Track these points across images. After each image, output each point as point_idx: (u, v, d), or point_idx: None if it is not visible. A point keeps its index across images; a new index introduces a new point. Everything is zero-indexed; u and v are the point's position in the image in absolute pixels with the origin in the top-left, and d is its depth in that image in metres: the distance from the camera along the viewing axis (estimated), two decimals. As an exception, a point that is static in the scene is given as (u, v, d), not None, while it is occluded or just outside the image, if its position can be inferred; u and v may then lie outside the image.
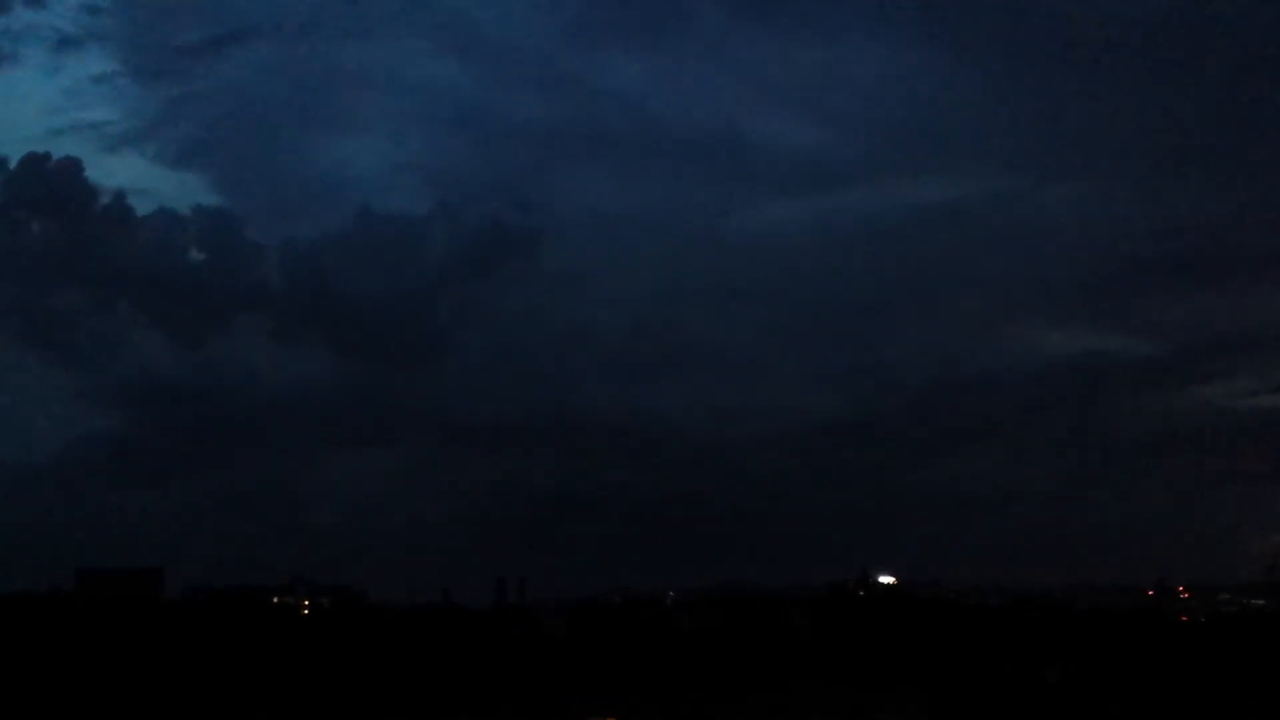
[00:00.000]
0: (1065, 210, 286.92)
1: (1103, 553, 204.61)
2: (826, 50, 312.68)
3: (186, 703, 77.32)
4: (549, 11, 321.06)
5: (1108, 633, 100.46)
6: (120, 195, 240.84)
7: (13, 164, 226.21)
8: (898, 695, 77.90)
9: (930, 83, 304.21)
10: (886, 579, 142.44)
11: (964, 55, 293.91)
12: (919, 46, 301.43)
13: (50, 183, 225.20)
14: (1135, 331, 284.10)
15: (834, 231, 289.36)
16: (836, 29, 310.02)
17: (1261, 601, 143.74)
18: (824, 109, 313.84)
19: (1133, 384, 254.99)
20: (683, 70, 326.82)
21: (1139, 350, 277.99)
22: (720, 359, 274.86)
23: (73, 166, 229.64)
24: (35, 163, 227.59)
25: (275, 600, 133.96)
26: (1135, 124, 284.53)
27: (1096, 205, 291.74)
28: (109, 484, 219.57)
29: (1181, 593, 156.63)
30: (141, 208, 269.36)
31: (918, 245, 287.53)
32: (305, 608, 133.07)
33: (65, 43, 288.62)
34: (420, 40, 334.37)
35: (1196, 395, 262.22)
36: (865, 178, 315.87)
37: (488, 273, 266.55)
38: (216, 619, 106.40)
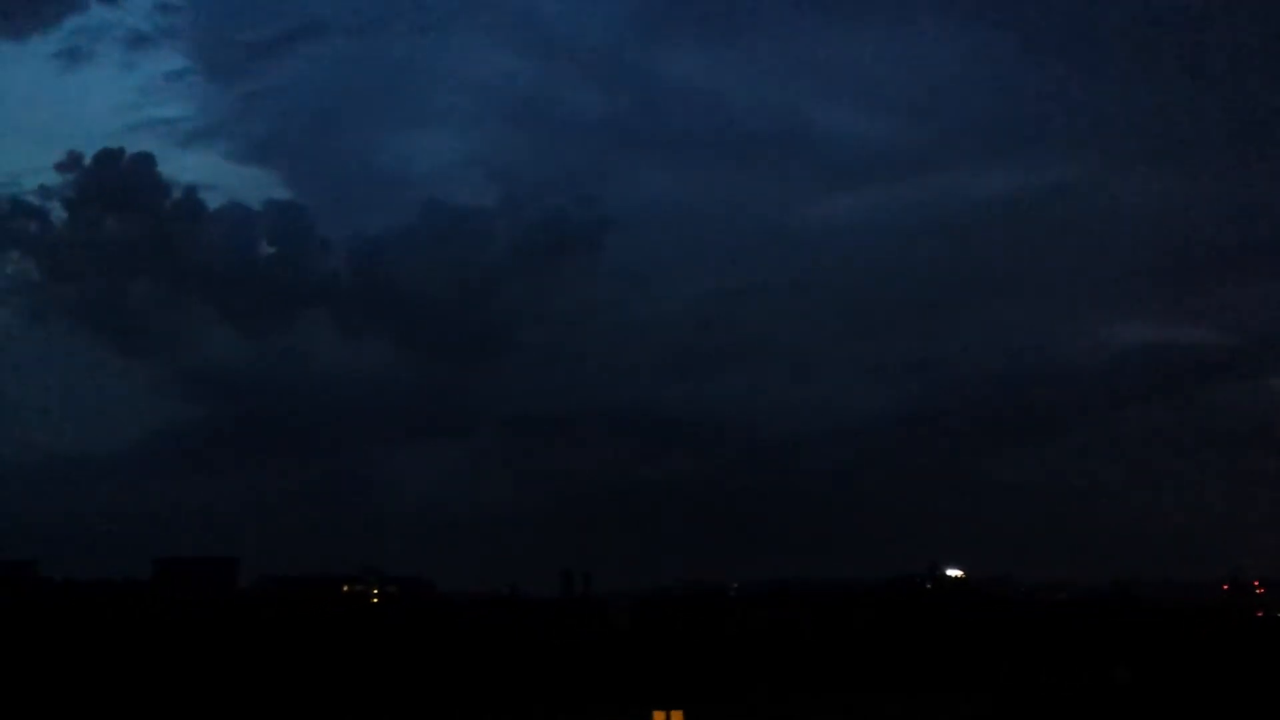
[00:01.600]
0: (1133, 200, 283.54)
1: (1175, 547, 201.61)
2: (892, 42, 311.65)
3: (258, 690, 78.56)
4: (614, 5, 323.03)
5: (1180, 630, 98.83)
6: (192, 190, 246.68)
7: (88, 160, 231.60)
8: (963, 692, 77.26)
9: (996, 73, 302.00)
10: (955, 572, 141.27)
11: (1030, 45, 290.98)
12: (985, 37, 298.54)
13: (124, 178, 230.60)
14: (1207, 322, 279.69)
15: (899, 224, 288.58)
16: (902, 20, 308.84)
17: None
18: (889, 101, 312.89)
19: (1205, 376, 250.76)
20: (747, 63, 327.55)
21: (1211, 341, 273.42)
22: (785, 352, 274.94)
23: (146, 162, 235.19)
24: (109, 159, 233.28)
25: (345, 589, 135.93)
26: (1204, 111, 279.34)
27: (1166, 194, 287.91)
28: (183, 475, 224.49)
29: (1257, 588, 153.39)
30: (212, 202, 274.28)
31: (984, 237, 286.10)
32: (375, 597, 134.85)
33: (140, 40, 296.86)
34: (486, 36, 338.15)
35: (1273, 387, 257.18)
36: (931, 169, 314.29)
37: (552, 266, 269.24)
38: (288, 608, 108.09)
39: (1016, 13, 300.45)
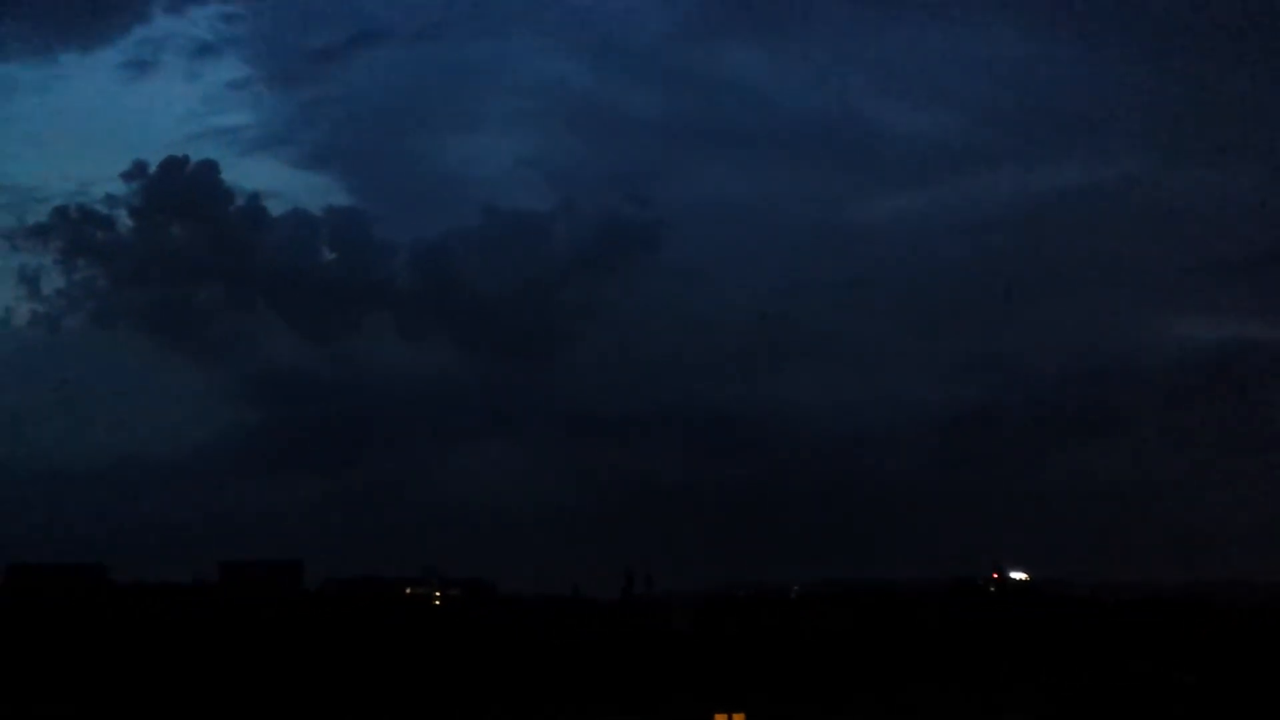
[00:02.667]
0: (1201, 192, 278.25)
1: (1244, 549, 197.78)
2: (950, 34, 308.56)
3: (325, 692, 79.68)
4: (668, 5, 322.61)
5: (1250, 632, 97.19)
6: (255, 197, 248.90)
7: (153, 168, 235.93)
8: (1026, 695, 76.56)
9: (1058, 65, 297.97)
10: (1019, 575, 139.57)
11: (1094, 35, 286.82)
12: (1046, 28, 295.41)
13: (188, 186, 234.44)
14: (1274, 317, 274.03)
15: (960, 220, 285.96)
16: (960, 12, 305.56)
17: None
18: (949, 95, 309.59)
19: (1272, 371, 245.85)
20: (803, 59, 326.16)
21: (1278, 336, 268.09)
22: (845, 350, 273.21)
23: (210, 170, 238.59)
24: (174, 166, 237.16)
25: (408, 591, 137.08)
26: (1271, 105, 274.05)
27: (1232, 188, 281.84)
28: (249, 478, 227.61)
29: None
30: (275, 209, 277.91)
31: (1046, 232, 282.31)
32: (437, 599, 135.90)
33: (203, 50, 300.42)
34: (542, 38, 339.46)
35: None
36: (991, 164, 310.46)
37: (610, 267, 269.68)
38: (353, 610, 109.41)
39: (1082, 4, 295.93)
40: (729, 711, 71.34)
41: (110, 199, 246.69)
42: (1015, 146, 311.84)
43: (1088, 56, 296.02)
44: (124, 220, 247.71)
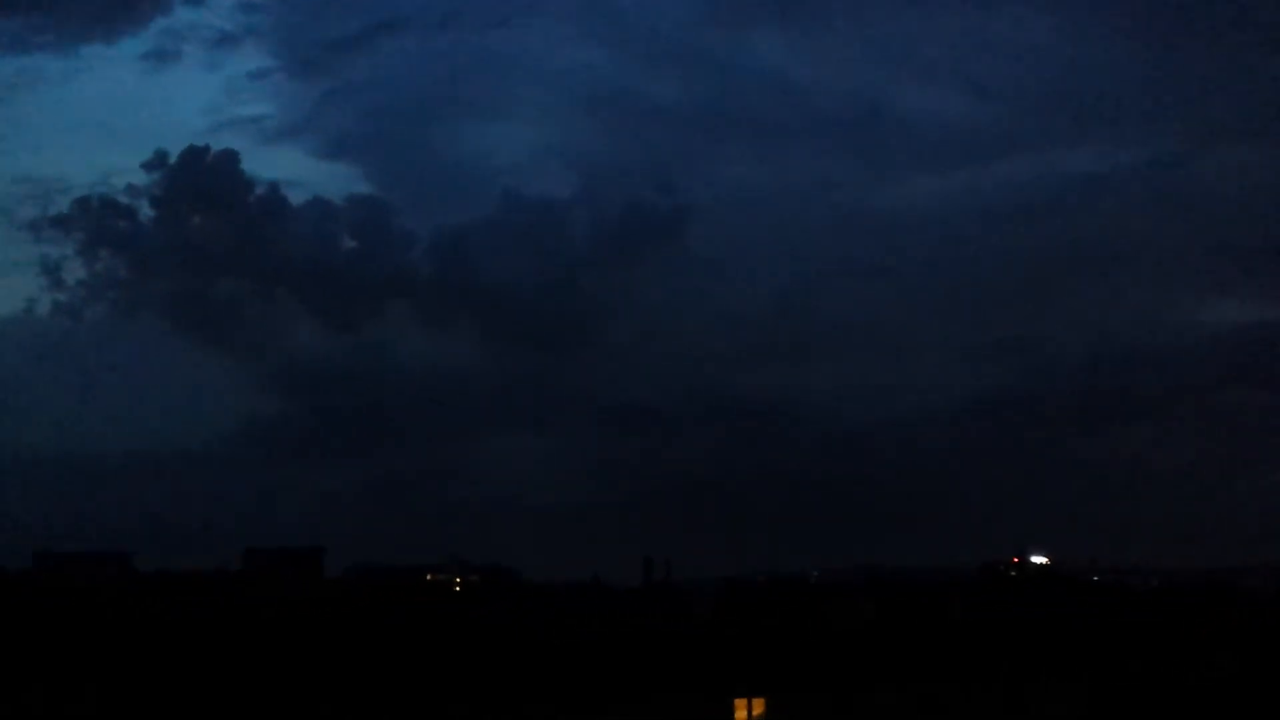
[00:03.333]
0: (1229, 175, 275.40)
1: (1272, 532, 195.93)
2: (973, 18, 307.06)
3: (344, 677, 79.74)
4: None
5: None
6: (275, 187, 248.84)
7: (173, 158, 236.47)
8: (1056, 684, 75.75)
9: (1083, 48, 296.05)
10: (1039, 559, 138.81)
11: (1117, 17, 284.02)
12: (1069, 11, 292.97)
13: (208, 176, 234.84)
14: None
15: (985, 205, 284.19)
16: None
17: None
18: (973, 79, 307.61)
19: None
20: (826, 44, 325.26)
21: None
22: (869, 338, 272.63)
23: (230, 159, 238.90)
24: (194, 156, 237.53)
25: (429, 578, 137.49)
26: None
27: (1261, 168, 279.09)
28: (273, 466, 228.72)
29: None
30: (296, 199, 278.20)
31: (1073, 216, 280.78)
32: (458, 585, 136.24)
33: (224, 40, 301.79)
34: (562, 25, 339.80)
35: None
36: (1017, 149, 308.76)
37: (633, 255, 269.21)
38: (373, 597, 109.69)
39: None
40: (749, 697, 70.97)
41: (132, 189, 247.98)
42: (1039, 131, 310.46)
43: (1111, 39, 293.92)
44: (145, 210, 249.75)
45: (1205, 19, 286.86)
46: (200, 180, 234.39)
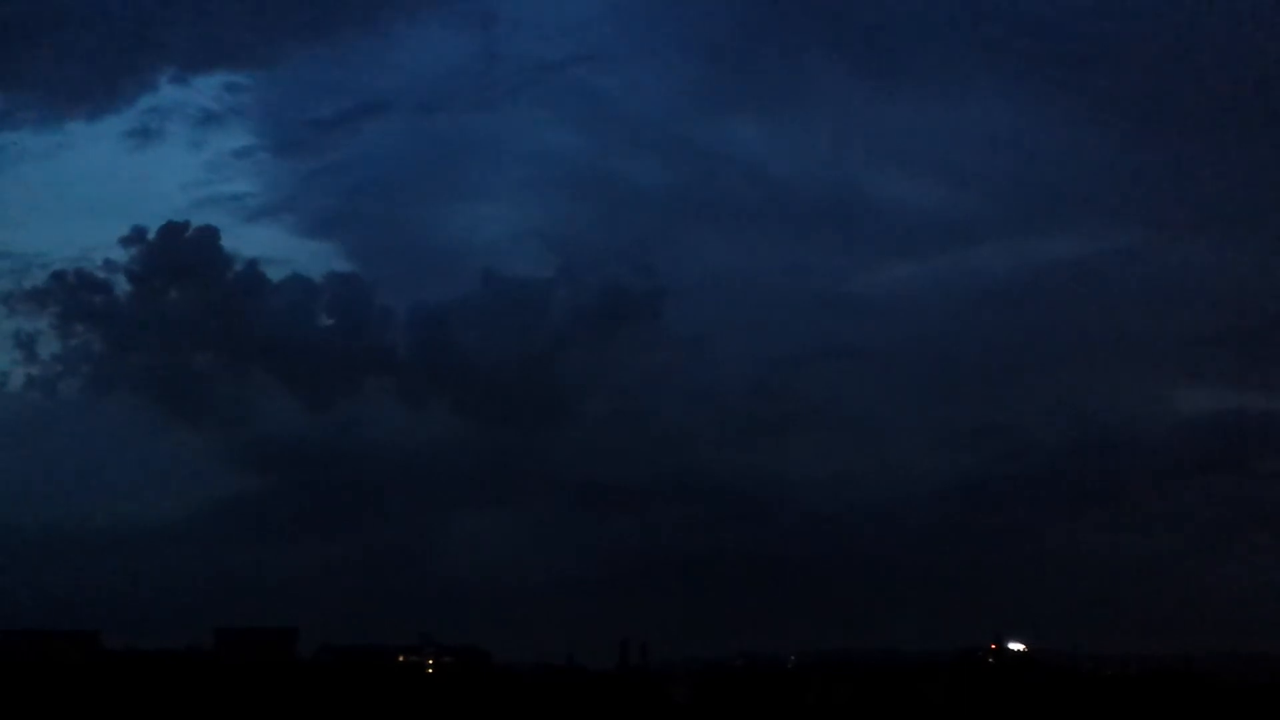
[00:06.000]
0: (1198, 265, 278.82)
1: (1248, 622, 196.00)
2: (949, 109, 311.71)
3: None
4: (669, 78, 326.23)
5: (1256, 708, 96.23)
6: (254, 263, 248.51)
7: (152, 234, 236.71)
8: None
9: (1055, 139, 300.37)
10: (1017, 646, 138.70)
11: (1090, 111, 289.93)
12: (1044, 103, 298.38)
13: (187, 252, 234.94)
14: (1275, 389, 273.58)
15: (959, 292, 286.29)
16: (959, 87, 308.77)
17: None
18: (947, 168, 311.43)
19: (1273, 444, 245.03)
20: (803, 132, 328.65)
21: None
22: (844, 421, 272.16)
23: (209, 235, 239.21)
24: (173, 232, 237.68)
25: (401, 659, 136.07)
26: (1268, 177, 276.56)
27: (1232, 259, 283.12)
28: (246, 544, 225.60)
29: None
30: (275, 275, 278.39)
31: (1046, 304, 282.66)
32: (430, 667, 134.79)
33: (208, 119, 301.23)
34: (543, 110, 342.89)
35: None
36: (990, 237, 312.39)
37: (610, 336, 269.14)
38: (344, 678, 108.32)
39: (1078, 81, 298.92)
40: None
41: (109, 264, 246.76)
42: (1012, 219, 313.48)
43: (1082, 131, 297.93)
44: (122, 285, 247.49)
45: (1179, 114, 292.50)
46: (179, 256, 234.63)
